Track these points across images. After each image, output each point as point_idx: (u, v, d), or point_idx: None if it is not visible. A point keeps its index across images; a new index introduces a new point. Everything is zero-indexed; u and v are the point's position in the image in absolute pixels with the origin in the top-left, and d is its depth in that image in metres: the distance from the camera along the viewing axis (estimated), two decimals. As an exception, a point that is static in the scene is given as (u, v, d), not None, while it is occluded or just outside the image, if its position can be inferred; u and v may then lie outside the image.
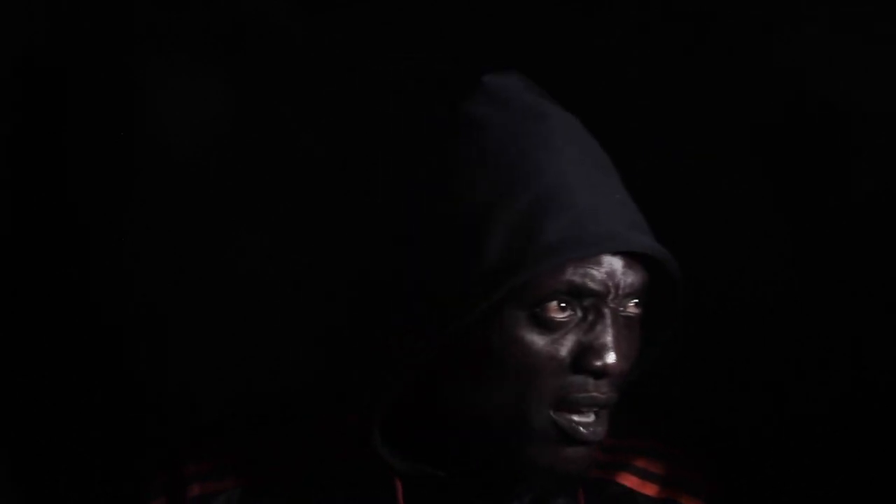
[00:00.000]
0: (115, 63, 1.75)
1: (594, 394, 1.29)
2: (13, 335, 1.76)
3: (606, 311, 1.29)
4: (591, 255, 1.27)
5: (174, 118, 1.76)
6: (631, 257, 1.30)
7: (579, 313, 1.29)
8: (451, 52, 1.73)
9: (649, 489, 1.42)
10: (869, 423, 1.59)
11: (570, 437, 1.30)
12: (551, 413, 1.30)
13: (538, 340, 1.28)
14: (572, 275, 1.27)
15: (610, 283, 1.28)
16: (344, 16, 1.75)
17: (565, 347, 1.29)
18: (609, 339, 1.29)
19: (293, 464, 1.39)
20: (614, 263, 1.29)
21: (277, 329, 1.77)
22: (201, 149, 1.77)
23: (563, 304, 1.28)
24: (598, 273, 1.28)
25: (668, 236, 1.37)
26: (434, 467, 1.36)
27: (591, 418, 1.30)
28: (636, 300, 1.31)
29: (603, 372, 1.29)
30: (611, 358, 1.28)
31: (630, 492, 1.42)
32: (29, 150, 1.76)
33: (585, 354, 1.29)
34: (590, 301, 1.29)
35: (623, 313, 1.31)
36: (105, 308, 1.78)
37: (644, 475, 1.43)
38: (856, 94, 1.64)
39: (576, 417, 1.30)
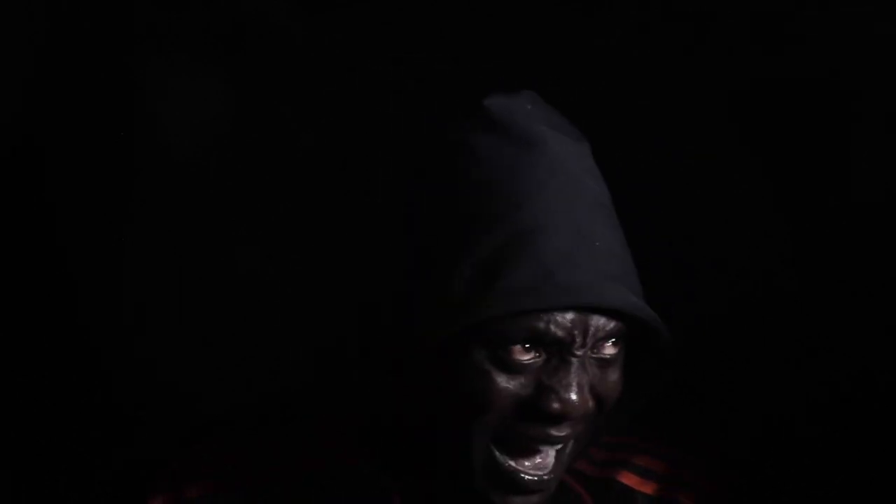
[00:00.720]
0: (115, 63, 1.75)
1: (551, 432, 1.27)
2: (13, 336, 1.76)
3: (572, 358, 1.26)
4: (550, 308, 1.24)
5: (174, 118, 1.76)
6: (602, 310, 1.26)
7: (544, 356, 1.27)
8: (451, 52, 1.73)
9: (648, 487, 1.42)
10: (869, 423, 1.59)
11: (508, 483, 1.28)
12: (494, 450, 1.28)
13: (499, 379, 1.26)
14: (536, 321, 1.25)
15: (576, 332, 1.25)
16: (344, 16, 1.75)
17: (525, 388, 1.26)
18: (570, 385, 1.26)
19: (293, 464, 1.39)
20: (579, 314, 1.25)
21: (277, 329, 1.77)
22: (201, 149, 1.76)
23: (527, 346, 1.26)
24: (563, 321, 1.25)
25: (668, 237, 1.37)
26: (424, 479, 1.36)
27: (536, 460, 1.28)
28: (612, 341, 1.28)
29: (562, 417, 1.26)
30: (571, 399, 1.26)
31: (630, 490, 1.41)
32: (29, 150, 1.76)
33: (545, 397, 1.26)
34: (554, 344, 1.26)
35: (595, 356, 1.28)
36: (105, 308, 1.78)
37: (644, 473, 1.42)
38: (856, 95, 1.64)
39: (516, 464, 1.28)
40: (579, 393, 1.26)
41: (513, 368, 1.26)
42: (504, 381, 1.26)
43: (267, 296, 1.77)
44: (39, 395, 1.76)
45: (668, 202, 1.59)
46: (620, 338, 1.29)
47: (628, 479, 1.42)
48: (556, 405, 1.26)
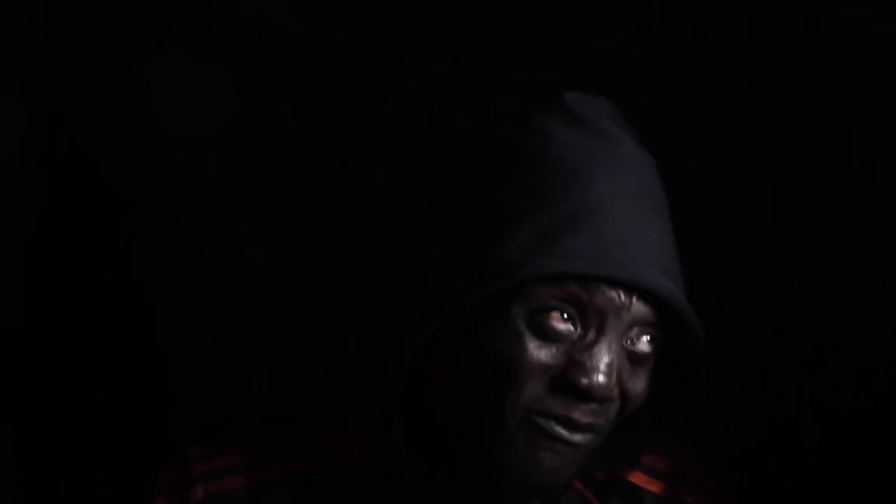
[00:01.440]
0: (115, 63, 1.75)
1: (574, 415, 1.27)
2: (13, 335, 1.76)
3: (609, 335, 1.27)
4: (592, 273, 1.26)
5: (174, 118, 1.76)
6: (646, 296, 1.28)
7: (580, 330, 1.28)
8: (451, 52, 1.73)
9: (655, 486, 1.42)
10: (871, 422, 1.60)
11: (542, 431, 1.27)
12: (525, 415, 1.27)
13: (532, 345, 1.27)
14: (583, 288, 1.26)
15: (618, 310, 1.27)
16: (344, 16, 1.75)
17: (556, 359, 1.27)
18: (602, 360, 1.27)
19: (295, 464, 1.40)
20: (624, 292, 1.27)
21: (277, 329, 1.77)
22: (201, 149, 1.76)
23: (565, 316, 1.27)
24: (609, 294, 1.27)
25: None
26: (434, 468, 1.36)
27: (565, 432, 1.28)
28: (648, 337, 1.30)
29: (587, 393, 1.26)
30: (598, 379, 1.26)
31: (637, 488, 1.41)
32: (28, 151, 1.76)
33: (573, 370, 1.27)
34: (593, 319, 1.27)
35: (630, 347, 1.29)
36: (103, 308, 1.78)
37: (650, 472, 1.43)
38: (856, 95, 1.64)
39: (545, 423, 1.27)
40: (608, 373, 1.27)
41: (548, 336, 1.27)
42: (536, 348, 1.27)
43: (267, 296, 1.77)
44: (39, 395, 1.76)
45: (669, 202, 1.58)
46: (655, 338, 1.30)
47: (635, 478, 1.42)
48: (584, 380, 1.26)
